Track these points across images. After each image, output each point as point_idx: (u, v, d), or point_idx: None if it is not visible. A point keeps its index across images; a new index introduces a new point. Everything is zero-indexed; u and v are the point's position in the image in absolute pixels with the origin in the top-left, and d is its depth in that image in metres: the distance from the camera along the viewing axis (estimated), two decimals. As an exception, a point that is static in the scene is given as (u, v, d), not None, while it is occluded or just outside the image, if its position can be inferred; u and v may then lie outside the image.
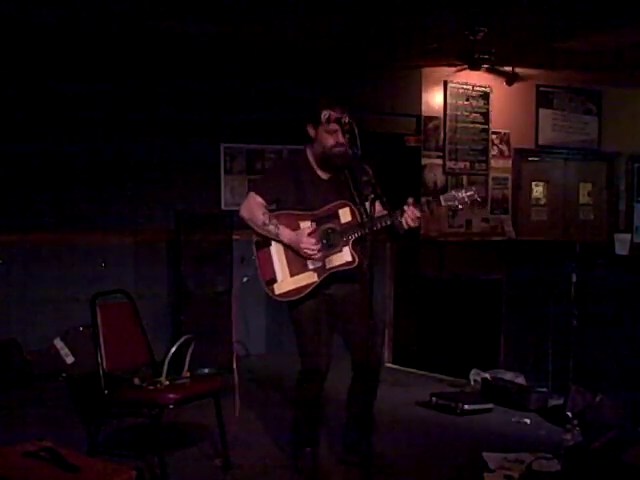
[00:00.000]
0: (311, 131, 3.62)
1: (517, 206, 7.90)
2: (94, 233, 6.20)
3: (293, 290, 3.55)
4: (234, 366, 3.82)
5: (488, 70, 6.88)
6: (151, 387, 3.77)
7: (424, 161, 7.30)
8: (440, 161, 7.40)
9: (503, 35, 5.83)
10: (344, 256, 3.53)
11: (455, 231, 7.29)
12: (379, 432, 4.04)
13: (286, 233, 3.55)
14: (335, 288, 3.61)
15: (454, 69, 6.93)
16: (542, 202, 8.35)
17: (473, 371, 5.60)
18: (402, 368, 6.09)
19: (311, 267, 3.55)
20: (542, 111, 8.10)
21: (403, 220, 3.47)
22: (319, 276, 3.55)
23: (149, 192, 6.40)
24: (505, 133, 7.82)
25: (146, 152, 6.39)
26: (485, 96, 7.61)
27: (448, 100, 7.36)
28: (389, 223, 3.48)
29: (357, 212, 3.53)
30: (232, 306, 3.80)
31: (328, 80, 6.58)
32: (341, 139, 3.52)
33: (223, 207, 6.74)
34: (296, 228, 3.56)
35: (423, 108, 7.25)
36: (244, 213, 3.70)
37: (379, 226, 3.45)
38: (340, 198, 3.56)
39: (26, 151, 5.93)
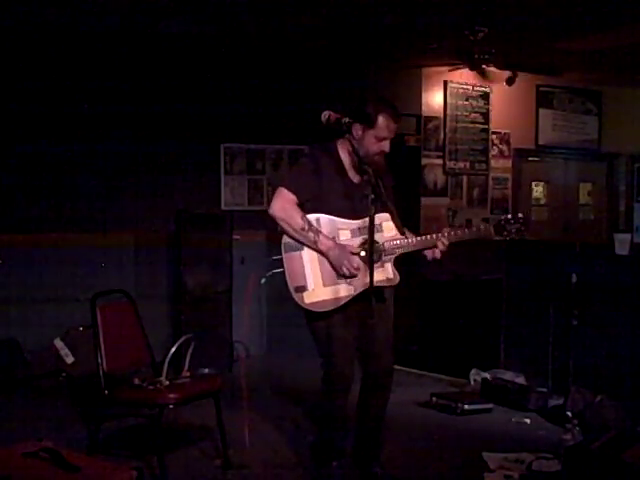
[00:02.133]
0: (357, 131, 3.33)
1: (517, 206, 7.90)
2: (94, 233, 6.20)
3: (326, 301, 3.31)
4: (241, 366, 3.71)
5: (488, 70, 6.88)
6: (151, 387, 3.76)
7: (424, 161, 7.31)
8: (440, 161, 7.40)
9: (503, 35, 5.84)
10: (386, 272, 3.32)
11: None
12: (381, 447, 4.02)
13: (328, 244, 3.29)
14: (363, 305, 3.31)
15: (454, 69, 6.93)
16: (542, 202, 8.36)
17: (473, 371, 5.59)
18: (402, 368, 6.09)
19: (347, 279, 3.32)
20: (542, 111, 8.11)
21: (429, 253, 3.39)
22: (356, 289, 3.31)
23: (149, 192, 6.40)
24: (505, 133, 7.83)
25: (146, 152, 6.38)
26: (485, 96, 7.62)
27: (448, 100, 7.37)
28: (430, 246, 3.36)
29: (401, 227, 3.33)
30: (244, 306, 3.64)
31: (328, 80, 6.58)
32: (387, 148, 3.37)
33: (223, 207, 6.74)
34: (335, 237, 3.33)
35: (423, 108, 7.26)
36: (278, 213, 3.33)
37: (422, 247, 3.36)
38: (382, 209, 3.31)
39: (26, 151, 5.92)
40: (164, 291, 6.44)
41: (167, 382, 3.79)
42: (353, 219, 3.37)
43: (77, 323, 5.37)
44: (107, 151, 6.23)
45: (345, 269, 3.27)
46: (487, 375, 5.42)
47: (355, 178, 3.44)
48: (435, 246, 3.36)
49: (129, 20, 5.34)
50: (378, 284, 3.26)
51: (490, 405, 5.01)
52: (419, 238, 3.38)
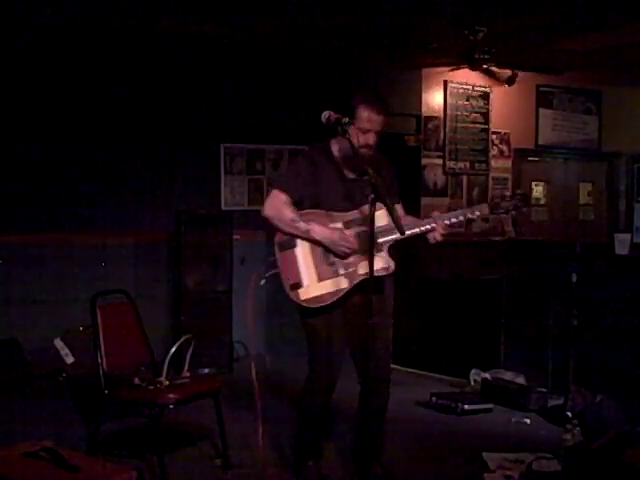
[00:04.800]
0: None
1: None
2: (94, 233, 6.20)
3: (323, 296, 3.31)
4: (252, 368, 3.70)
5: (488, 70, 6.87)
6: (151, 387, 3.77)
7: (424, 161, 7.30)
8: (440, 161, 7.40)
9: (503, 35, 5.84)
10: (379, 262, 3.26)
11: (455, 231, 7.28)
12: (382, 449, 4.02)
13: (319, 230, 3.30)
14: (359, 297, 3.33)
15: (454, 69, 6.93)
16: (542, 202, 8.35)
17: (473, 371, 5.59)
18: (402, 368, 6.09)
19: (342, 272, 3.33)
20: (542, 111, 8.10)
21: (430, 236, 3.38)
22: (350, 282, 3.32)
23: (149, 192, 6.40)
24: (505, 133, 7.83)
25: (146, 152, 6.39)
26: (485, 96, 7.61)
27: (448, 100, 7.36)
28: (422, 231, 3.36)
29: (392, 216, 3.24)
30: (247, 308, 3.60)
31: (328, 80, 6.58)
32: (371, 141, 3.33)
33: (223, 207, 6.74)
34: (325, 227, 3.35)
35: (423, 108, 7.25)
36: (269, 212, 3.38)
37: (414, 233, 3.35)
38: (367, 200, 3.24)
39: (26, 151, 5.93)
40: (164, 291, 6.44)
41: (167, 382, 3.80)
42: (346, 212, 3.38)
43: (77, 323, 5.37)
44: (107, 151, 6.23)
45: (342, 248, 3.29)
46: (487, 375, 5.42)
47: (350, 174, 3.45)
48: (432, 230, 3.36)
49: (129, 20, 5.34)
50: (375, 274, 3.18)
51: (490, 405, 5.01)
52: (412, 225, 3.37)
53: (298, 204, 3.40)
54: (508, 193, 3.57)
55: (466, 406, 4.91)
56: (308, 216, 3.36)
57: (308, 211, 3.38)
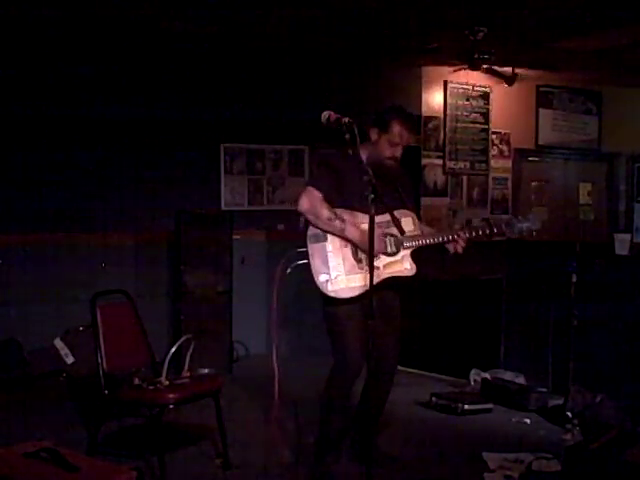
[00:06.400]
0: (373, 135, 3.62)
1: (517, 206, 7.90)
2: (94, 233, 6.20)
3: (347, 289, 3.52)
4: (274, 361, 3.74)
5: (488, 70, 6.88)
6: (151, 387, 3.77)
7: (424, 161, 7.31)
8: (440, 161, 7.40)
9: (503, 35, 5.84)
10: (404, 264, 3.59)
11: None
12: (379, 432, 4.04)
13: (352, 230, 3.51)
14: (381, 293, 3.52)
15: (454, 69, 6.93)
16: (542, 202, 8.36)
17: (473, 371, 5.59)
18: (402, 368, 6.07)
19: (368, 269, 3.47)
20: (542, 111, 8.10)
21: (451, 246, 3.63)
22: (376, 278, 3.41)
23: (149, 192, 6.40)
24: (505, 133, 7.83)
25: (146, 152, 6.38)
26: (485, 96, 7.61)
27: (448, 100, 7.37)
28: (444, 240, 3.62)
29: (419, 223, 3.65)
30: (273, 299, 3.67)
31: (328, 80, 6.58)
32: (398, 154, 3.60)
33: (223, 207, 6.74)
34: (358, 228, 3.55)
35: (423, 108, 7.26)
36: (305, 206, 3.54)
37: (438, 241, 3.62)
38: (392, 205, 3.59)
39: (26, 151, 5.93)
40: (164, 291, 6.44)
41: (167, 382, 3.80)
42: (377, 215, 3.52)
43: (77, 323, 5.37)
44: (107, 151, 6.23)
45: (377, 249, 3.42)
46: (487, 375, 5.42)
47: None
48: (454, 240, 3.61)
49: (129, 20, 5.34)
50: (396, 274, 3.57)
51: (490, 405, 5.01)
52: (436, 233, 3.69)
53: (333, 203, 3.56)
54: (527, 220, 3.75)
55: (466, 406, 4.91)
56: (342, 215, 3.53)
57: (342, 210, 3.55)
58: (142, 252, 6.42)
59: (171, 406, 3.71)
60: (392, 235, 3.59)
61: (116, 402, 3.85)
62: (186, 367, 3.98)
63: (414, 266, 3.61)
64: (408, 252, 3.60)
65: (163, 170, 6.47)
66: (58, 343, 5.45)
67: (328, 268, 3.52)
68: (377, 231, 3.45)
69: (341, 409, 3.67)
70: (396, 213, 3.60)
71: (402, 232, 3.61)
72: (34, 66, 5.64)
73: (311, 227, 3.56)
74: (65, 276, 6.03)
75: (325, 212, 3.51)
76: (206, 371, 5.59)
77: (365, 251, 3.46)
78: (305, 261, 3.52)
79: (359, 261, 3.55)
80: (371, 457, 3.22)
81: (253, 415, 4.85)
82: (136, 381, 3.83)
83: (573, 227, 8.44)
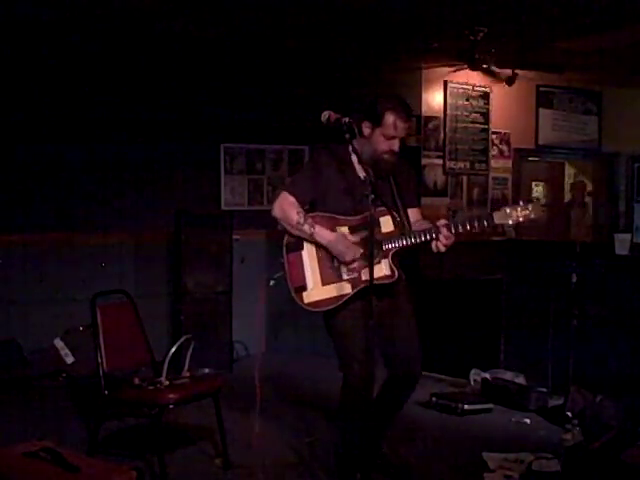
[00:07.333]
0: (366, 130, 3.32)
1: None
2: (94, 233, 6.20)
3: (324, 300, 3.31)
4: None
5: (488, 70, 6.87)
6: (151, 387, 3.76)
7: (424, 161, 7.31)
8: (440, 161, 7.40)
9: (503, 35, 5.84)
10: (383, 269, 3.25)
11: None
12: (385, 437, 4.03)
13: (324, 234, 3.30)
14: (376, 300, 3.15)
15: (454, 69, 6.93)
16: (542, 202, 8.36)
17: (473, 371, 5.59)
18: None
19: (345, 277, 3.30)
20: (542, 111, 8.11)
21: (433, 245, 3.25)
22: (353, 288, 3.29)
23: (149, 192, 6.40)
24: (505, 133, 7.83)
25: (146, 152, 6.38)
26: (485, 96, 7.62)
27: (448, 100, 7.37)
28: (429, 239, 3.25)
29: (399, 222, 3.28)
30: (258, 307, 3.57)
31: (328, 80, 6.58)
32: (396, 147, 3.31)
33: (223, 207, 6.74)
34: (332, 232, 3.33)
35: (423, 108, 7.26)
36: (277, 213, 3.41)
37: (419, 240, 3.25)
38: (381, 205, 3.23)
39: (26, 151, 5.93)
40: (164, 291, 6.44)
41: (167, 382, 3.79)
42: (353, 216, 3.34)
43: (77, 323, 5.37)
44: (107, 151, 6.23)
45: (342, 253, 3.26)
46: (487, 375, 5.42)
47: (367, 177, 3.28)
48: (437, 238, 3.24)
49: (129, 20, 5.34)
50: (377, 282, 3.13)
51: (490, 405, 5.01)
52: (416, 232, 3.29)
53: (311, 206, 3.41)
54: (519, 205, 3.32)
55: (466, 406, 4.91)
56: (315, 219, 3.34)
57: (316, 214, 3.37)
58: (142, 252, 6.42)
59: (171, 406, 3.71)
60: (366, 238, 3.21)
61: (116, 402, 3.85)
62: (186, 367, 3.97)
63: (395, 270, 3.26)
64: (388, 256, 3.26)
65: (163, 170, 6.47)
66: (58, 343, 5.46)
67: (304, 279, 3.34)
68: (350, 236, 3.30)
69: (357, 422, 3.36)
70: (375, 213, 3.18)
71: (379, 234, 3.24)
72: (34, 66, 5.64)
73: (286, 235, 3.40)
74: (65, 276, 6.04)
75: (294, 217, 3.32)
76: (206, 371, 5.59)
77: (336, 255, 3.28)
78: (281, 273, 3.37)
79: (336, 269, 3.31)
80: (375, 462, 3.15)
81: (253, 415, 4.85)
82: (136, 381, 3.83)
83: (573, 227, 8.45)
